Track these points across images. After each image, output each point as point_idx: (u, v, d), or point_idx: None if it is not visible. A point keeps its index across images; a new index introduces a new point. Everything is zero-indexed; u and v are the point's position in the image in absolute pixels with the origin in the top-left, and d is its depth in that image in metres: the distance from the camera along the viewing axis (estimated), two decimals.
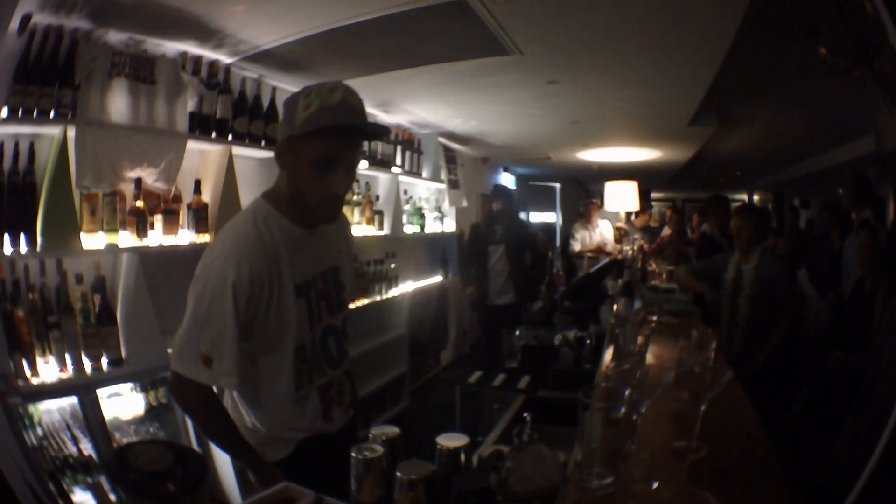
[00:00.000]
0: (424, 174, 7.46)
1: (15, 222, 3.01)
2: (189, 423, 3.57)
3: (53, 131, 3.21)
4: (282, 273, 2.10)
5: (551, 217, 14.16)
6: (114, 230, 3.44)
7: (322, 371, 2.28)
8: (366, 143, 5.96)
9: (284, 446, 2.25)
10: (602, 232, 9.17)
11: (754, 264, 4.58)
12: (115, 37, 3.48)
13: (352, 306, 2.60)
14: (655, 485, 1.21)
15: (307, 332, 2.20)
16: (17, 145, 3.06)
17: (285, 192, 2.20)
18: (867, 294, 4.06)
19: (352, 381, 2.46)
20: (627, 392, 1.67)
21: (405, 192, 6.96)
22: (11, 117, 3.04)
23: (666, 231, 8.91)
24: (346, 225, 2.56)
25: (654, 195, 13.93)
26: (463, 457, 2.17)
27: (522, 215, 12.85)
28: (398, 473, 2.00)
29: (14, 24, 2.92)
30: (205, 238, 3.99)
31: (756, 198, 14.62)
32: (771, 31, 3.67)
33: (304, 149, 2.03)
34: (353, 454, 2.09)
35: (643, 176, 10.27)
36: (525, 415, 2.08)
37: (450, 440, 2.21)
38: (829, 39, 3.29)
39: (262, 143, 4.50)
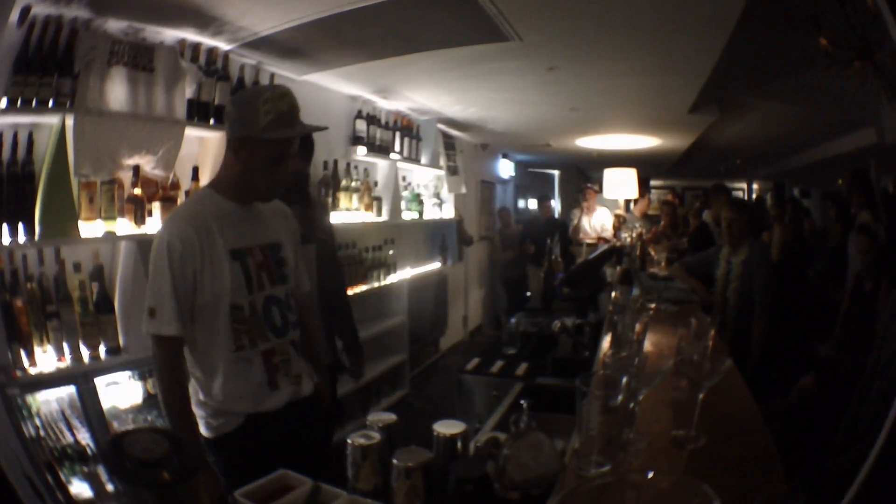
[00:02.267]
0: (423, 161, 7.45)
1: (13, 212, 3.01)
2: None
3: (52, 120, 3.21)
4: (212, 238, 2.37)
5: (551, 205, 14.16)
6: (112, 218, 3.43)
7: (265, 337, 2.48)
8: (364, 131, 6.08)
9: (235, 419, 2.44)
10: (601, 218, 9.19)
11: (742, 258, 4.57)
12: (114, 25, 3.47)
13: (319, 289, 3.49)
14: (651, 474, 1.21)
15: (245, 296, 2.43)
16: (15, 135, 3.06)
17: (228, 177, 2.49)
18: (867, 294, 4.04)
19: (296, 345, 2.64)
20: (625, 380, 1.67)
21: (404, 179, 6.96)
22: (10, 108, 3.04)
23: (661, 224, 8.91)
24: (286, 214, 2.78)
25: (653, 183, 13.93)
26: (460, 444, 2.17)
27: (521, 202, 12.86)
28: (395, 461, 2.01)
29: (14, 15, 2.92)
30: None
31: (756, 187, 14.62)
32: (772, 20, 3.66)
33: (260, 148, 2.39)
34: (349, 441, 2.11)
35: (643, 163, 10.27)
36: (522, 402, 2.08)
37: (447, 427, 2.21)
38: (830, 31, 3.27)
39: None
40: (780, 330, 4.50)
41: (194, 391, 2.45)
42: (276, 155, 2.41)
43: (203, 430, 2.44)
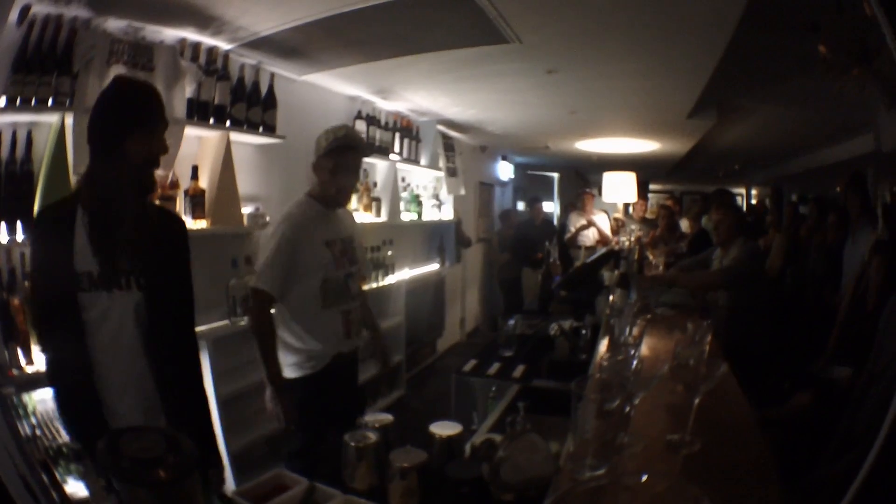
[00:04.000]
0: (422, 162, 7.44)
1: (12, 211, 3.00)
2: None
3: (51, 119, 3.21)
4: (311, 231, 3.33)
5: (549, 207, 14.14)
6: None
7: (344, 300, 3.45)
8: (364, 131, 6.04)
9: (322, 360, 3.37)
10: (599, 222, 9.18)
11: (731, 259, 4.58)
12: (113, 24, 3.47)
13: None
14: (644, 477, 1.21)
15: (333, 272, 3.38)
16: (14, 134, 3.06)
17: (317, 189, 3.43)
18: (869, 312, 3.97)
19: (366, 308, 3.76)
20: (622, 383, 1.67)
21: (403, 180, 6.96)
22: (9, 106, 3.04)
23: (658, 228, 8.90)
24: (353, 216, 3.82)
25: (652, 187, 13.92)
26: (456, 445, 2.18)
27: (520, 205, 12.85)
28: (391, 461, 2.01)
29: (14, 14, 2.92)
30: (201, 224, 3.99)
31: (754, 192, 14.62)
32: (771, 25, 3.66)
33: (325, 163, 3.35)
34: (345, 440, 2.11)
35: (642, 167, 10.27)
36: (518, 404, 2.09)
37: (443, 428, 2.22)
38: (828, 36, 3.27)
39: (260, 129, 4.49)
40: (776, 337, 4.50)
41: (292, 340, 3.35)
42: (334, 166, 3.34)
43: (294, 373, 3.36)
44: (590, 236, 9.06)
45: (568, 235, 9.22)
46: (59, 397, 2.43)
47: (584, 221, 9.19)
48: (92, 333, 2.28)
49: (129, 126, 2.25)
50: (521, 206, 12.94)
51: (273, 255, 3.22)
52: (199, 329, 3.94)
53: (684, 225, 9.34)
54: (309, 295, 3.31)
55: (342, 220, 3.56)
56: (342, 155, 3.37)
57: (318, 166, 3.39)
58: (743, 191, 14.87)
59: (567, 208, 11.17)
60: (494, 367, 4.21)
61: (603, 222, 9.26)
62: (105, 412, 2.32)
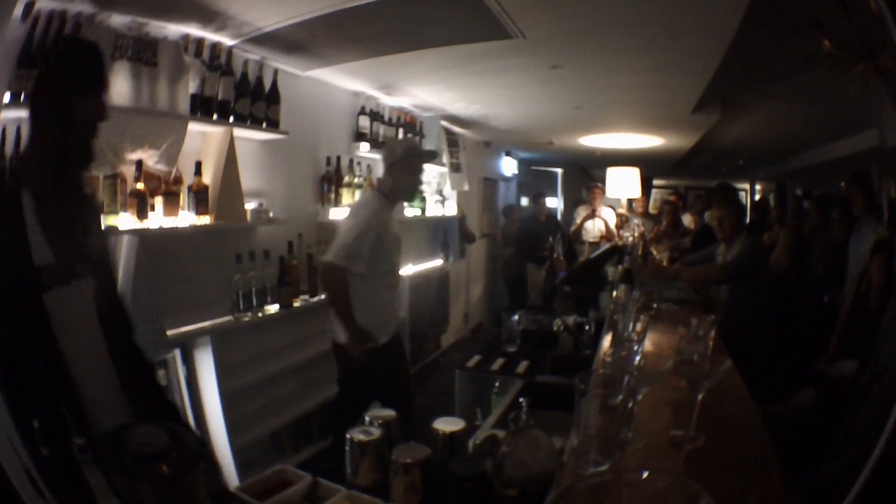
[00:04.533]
0: None
1: None
2: (188, 405, 3.90)
3: None
4: (389, 225, 4.09)
5: (553, 202, 14.11)
6: (114, 212, 3.44)
7: (398, 285, 4.28)
8: (367, 128, 6.12)
9: (384, 333, 4.09)
10: (605, 218, 9.17)
11: (734, 254, 4.57)
12: (117, 20, 3.47)
13: None
14: (646, 474, 1.21)
15: (395, 260, 4.20)
16: (19, 129, 3.05)
17: (386, 188, 4.15)
18: (872, 311, 3.93)
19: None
20: (625, 378, 1.67)
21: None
22: (14, 102, 3.02)
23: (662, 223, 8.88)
24: None
25: (656, 182, 13.88)
26: (459, 441, 2.18)
27: (524, 201, 12.83)
28: (393, 457, 2.01)
29: (18, 10, 2.92)
30: (205, 220, 3.99)
31: (758, 188, 14.59)
32: (775, 21, 3.65)
33: (400, 167, 4.11)
34: (348, 436, 2.11)
35: (646, 163, 10.23)
36: (521, 400, 2.09)
37: (447, 424, 2.22)
38: (833, 33, 3.26)
39: (264, 124, 4.50)
40: (779, 334, 4.49)
41: (368, 313, 3.98)
42: (406, 170, 4.12)
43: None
44: (594, 230, 9.04)
45: (573, 228, 9.21)
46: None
47: (591, 218, 9.19)
48: (62, 339, 1.98)
49: (77, 86, 2.18)
50: (524, 201, 12.92)
51: (355, 241, 3.86)
52: (202, 325, 3.98)
53: (688, 220, 9.32)
54: (379, 276, 4.00)
55: (395, 213, 4.29)
56: (413, 161, 4.16)
57: (394, 170, 4.10)
58: (747, 186, 14.82)
59: (575, 203, 11.13)
60: (498, 363, 4.21)
61: (609, 217, 9.24)
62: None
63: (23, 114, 3.05)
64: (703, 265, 4.97)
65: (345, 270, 3.85)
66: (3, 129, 2.98)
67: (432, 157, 4.57)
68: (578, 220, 9.22)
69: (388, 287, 4.13)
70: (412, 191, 4.39)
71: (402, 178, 4.11)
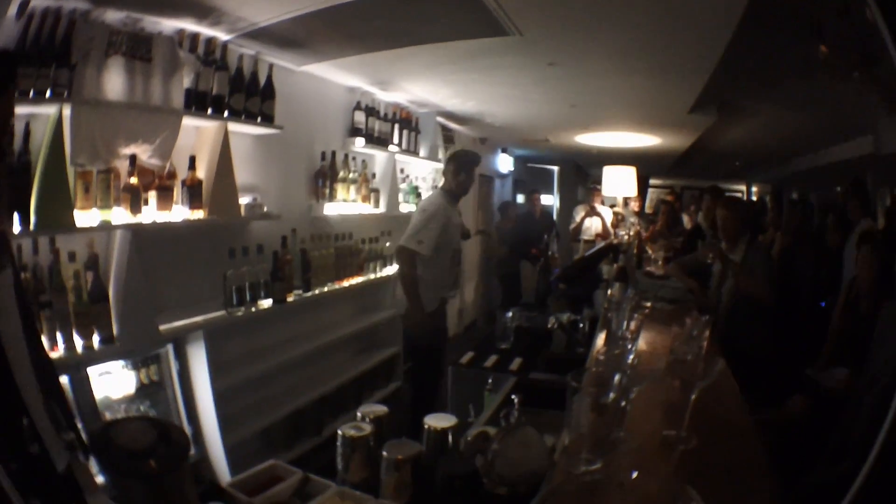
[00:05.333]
0: (422, 153, 7.43)
1: (9, 203, 2.98)
2: (180, 400, 3.88)
3: (49, 111, 3.19)
4: (452, 218, 5.16)
5: (549, 200, 14.12)
6: (107, 207, 3.42)
7: (456, 266, 5.43)
8: (363, 123, 6.11)
9: (432, 303, 5.12)
10: (603, 216, 9.19)
11: (740, 256, 4.56)
12: (112, 16, 3.45)
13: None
14: (635, 475, 1.20)
15: (458, 247, 5.39)
16: (12, 126, 3.03)
17: (449, 187, 5.30)
18: (864, 315, 3.88)
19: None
20: (617, 378, 1.66)
21: (402, 171, 6.95)
22: None
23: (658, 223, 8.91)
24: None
25: (653, 182, 13.90)
26: (451, 438, 2.17)
27: (520, 198, 12.83)
28: (384, 453, 2.01)
29: (13, 8, 2.90)
30: (199, 214, 3.98)
31: (755, 190, 14.62)
32: (773, 26, 3.65)
33: (461, 171, 5.25)
34: (340, 432, 2.11)
35: (642, 162, 10.25)
36: (513, 397, 2.08)
37: (438, 421, 2.22)
38: (830, 40, 3.25)
39: (258, 119, 4.48)
40: (776, 339, 4.49)
41: (423, 288, 5.02)
42: (466, 174, 5.28)
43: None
44: (591, 229, 9.06)
45: (573, 225, 9.24)
46: None
47: (590, 217, 9.22)
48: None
49: None
50: (520, 198, 12.93)
51: (425, 230, 4.96)
52: (195, 320, 3.97)
53: (687, 221, 9.35)
54: (443, 259, 5.10)
55: (458, 212, 5.42)
56: (472, 167, 5.36)
57: (458, 173, 5.24)
58: (743, 188, 14.87)
59: (573, 202, 11.15)
60: (491, 360, 4.22)
61: (606, 216, 9.26)
62: None
63: (17, 110, 3.06)
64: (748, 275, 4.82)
65: (414, 253, 4.93)
66: None
67: (474, 162, 5.44)
68: (578, 219, 9.24)
69: (446, 268, 5.22)
70: (468, 188, 5.38)
71: (464, 180, 5.25)
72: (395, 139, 6.72)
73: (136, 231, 3.55)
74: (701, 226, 7.68)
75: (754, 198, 14.27)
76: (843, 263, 4.97)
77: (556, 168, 14.51)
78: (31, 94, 3.09)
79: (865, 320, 3.70)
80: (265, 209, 4.59)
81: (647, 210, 10.38)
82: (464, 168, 5.28)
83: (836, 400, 3.32)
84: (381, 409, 2.36)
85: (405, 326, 5.52)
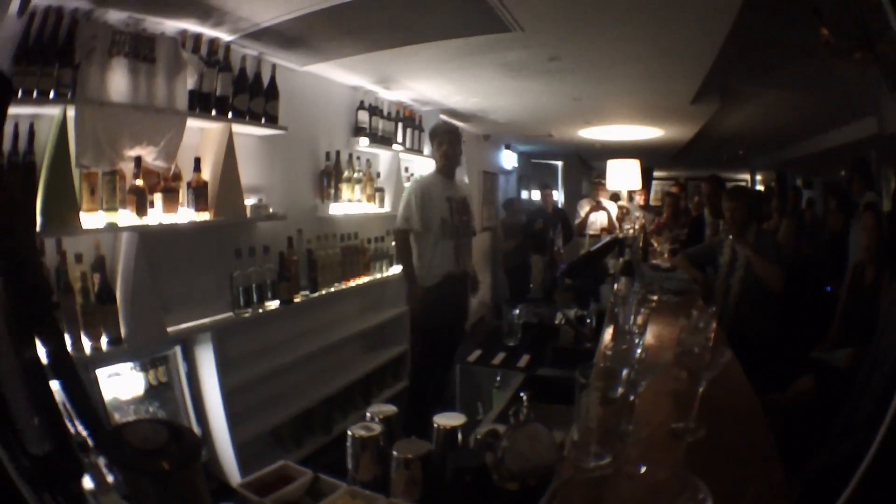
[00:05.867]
0: (426, 151, 7.38)
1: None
2: (189, 401, 3.91)
3: (53, 111, 3.20)
4: (436, 192, 5.24)
5: (553, 195, 14.11)
6: (113, 209, 3.44)
7: (455, 237, 5.26)
8: (367, 122, 6.12)
9: (437, 277, 5.22)
10: (608, 210, 9.18)
11: (750, 245, 4.54)
12: (114, 16, 3.46)
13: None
14: (643, 468, 1.21)
15: (448, 217, 5.21)
16: (16, 126, 3.04)
17: (436, 162, 5.50)
18: (869, 286, 3.91)
19: (470, 249, 5.51)
20: (625, 371, 1.67)
21: (406, 170, 6.93)
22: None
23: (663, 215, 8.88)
24: (464, 183, 6.20)
25: (657, 173, 13.87)
26: (460, 436, 2.18)
27: (524, 194, 12.82)
28: (394, 452, 2.01)
29: (14, 6, 2.90)
30: (205, 216, 3.99)
31: (759, 177, 14.58)
32: (773, 9, 3.64)
33: (437, 145, 5.44)
34: (349, 432, 2.12)
35: (646, 154, 10.23)
36: (522, 394, 2.08)
37: (447, 419, 2.22)
38: (831, 20, 3.25)
39: (262, 120, 4.49)
40: (783, 324, 4.48)
41: (419, 264, 5.22)
42: (437, 144, 5.43)
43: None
44: (596, 223, 9.05)
45: (578, 220, 9.22)
46: None
47: (591, 205, 9.20)
48: None
49: None
50: (524, 194, 12.91)
51: (406, 208, 5.21)
52: (202, 321, 3.98)
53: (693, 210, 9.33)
54: (431, 231, 5.15)
55: (457, 186, 5.53)
56: (446, 136, 5.39)
57: (437, 145, 5.44)
58: (748, 176, 14.83)
59: (578, 197, 11.13)
60: (499, 357, 4.22)
61: (611, 209, 9.25)
62: None
63: (20, 110, 3.05)
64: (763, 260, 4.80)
65: (404, 231, 5.21)
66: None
67: (450, 131, 5.49)
68: (583, 213, 9.22)
69: (439, 241, 5.21)
70: (452, 157, 5.41)
71: (446, 151, 5.36)
72: (399, 138, 6.73)
73: (142, 233, 3.56)
74: (702, 216, 7.66)
75: (760, 186, 14.24)
76: (849, 246, 4.96)
77: (559, 163, 14.49)
78: (35, 93, 3.10)
79: (870, 290, 3.72)
80: (271, 210, 4.60)
81: (653, 202, 10.33)
82: (437, 138, 5.44)
83: (843, 379, 3.31)
84: (391, 408, 2.37)
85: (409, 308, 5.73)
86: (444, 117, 7.76)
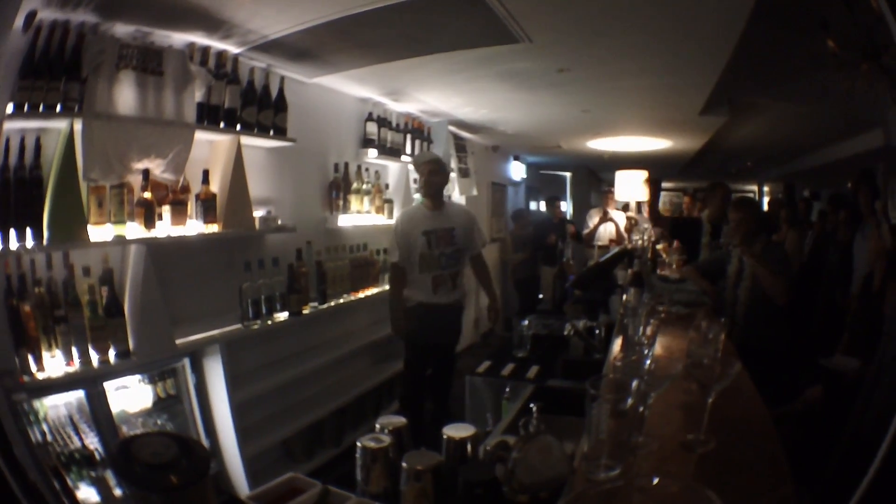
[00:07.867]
0: None
1: (21, 217, 3.00)
2: (197, 413, 3.90)
3: (60, 125, 3.21)
4: (415, 226, 5.01)
5: (562, 206, 14.11)
6: (121, 222, 3.44)
7: (436, 270, 5.03)
8: (375, 134, 6.15)
9: (415, 303, 5.05)
10: (616, 219, 9.16)
11: (779, 260, 4.52)
12: (121, 29, 3.47)
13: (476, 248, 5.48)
14: (656, 480, 1.19)
15: (427, 251, 5.00)
16: (23, 140, 3.04)
17: (422, 194, 5.28)
18: (876, 293, 3.90)
19: (455, 277, 5.15)
20: (635, 383, 1.65)
21: (415, 182, 6.92)
22: (17, 113, 3.01)
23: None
24: (469, 214, 5.46)
25: (665, 185, 13.87)
26: (469, 447, 2.17)
27: (532, 205, 12.81)
28: (404, 464, 2.00)
29: (19, 21, 2.91)
30: (213, 228, 3.99)
31: (766, 189, 14.57)
32: (780, 22, 3.64)
33: (420, 175, 5.26)
34: (359, 444, 2.11)
35: (654, 165, 10.23)
36: (532, 405, 2.07)
37: (457, 431, 2.21)
38: (837, 33, 3.25)
39: (271, 132, 4.49)
40: (789, 335, 4.46)
41: (407, 292, 5.09)
42: (427, 174, 5.09)
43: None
44: (605, 234, 9.03)
45: (586, 231, 9.20)
46: None
47: (600, 216, 9.18)
48: None
49: None
50: (533, 205, 12.91)
51: (391, 242, 5.16)
52: (212, 333, 3.98)
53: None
54: (413, 265, 5.01)
55: (445, 216, 5.14)
56: (424, 166, 5.15)
57: (419, 175, 5.27)
58: (755, 188, 14.82)
59: (587, 208, 11.12)
60: (508, 368, 4.21)
61: (620, 220, 9.23)
62: None
63: (26, 124, 3.06)
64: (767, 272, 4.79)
65: (394, 265, 5.11)
66: (7, 140, 2.98)
67: (429, 161, 5.22)
68: (592, 224, 9.21)
69: (418, 273, 5.02)
70: (434, 184, 5.10)
71: (427, 180, 5.09)
72: (408, 149, 6.75)
73: (150, 245, 3.56)
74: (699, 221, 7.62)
75: (766, 197, 14.23)
76: (854, 257, 4.94)
77: (568, 174, 14.50)
78: (42, 107, 3.10)
79: (878, 299, 3.71)
80: (279, 222, 4.60)
81: (663, 213, 10.32)
82: (418, 168, 5.31)
83: (851, 386, 3.30)
84: (400, 420, 2.36)
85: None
86: (451, 128, 7.77)
